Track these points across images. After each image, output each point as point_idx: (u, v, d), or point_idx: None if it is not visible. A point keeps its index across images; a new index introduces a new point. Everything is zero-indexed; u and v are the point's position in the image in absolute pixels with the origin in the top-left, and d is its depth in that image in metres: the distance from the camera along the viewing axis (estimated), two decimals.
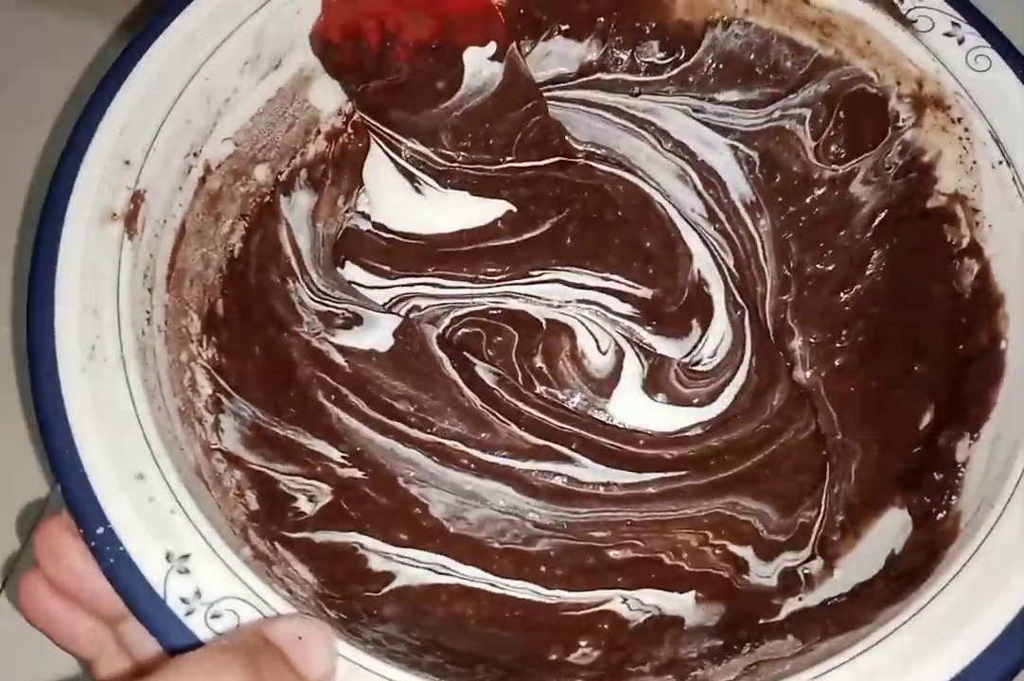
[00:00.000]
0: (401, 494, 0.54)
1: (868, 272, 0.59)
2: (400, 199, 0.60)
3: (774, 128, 0.61)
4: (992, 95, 0.53)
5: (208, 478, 0.47)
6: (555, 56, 0.65)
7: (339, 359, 0.57)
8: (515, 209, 0.60)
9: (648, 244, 0.59)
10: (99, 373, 0.44)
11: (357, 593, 0.50)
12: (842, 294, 0.59)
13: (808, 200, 0.60)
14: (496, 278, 0.59)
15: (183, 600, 0.40)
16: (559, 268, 0.59)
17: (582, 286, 0.59)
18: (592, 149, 0.62)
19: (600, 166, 0.61)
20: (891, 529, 0.51)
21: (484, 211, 0.61)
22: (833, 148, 0.60)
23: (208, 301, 0.55)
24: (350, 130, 0.63)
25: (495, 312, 0.58)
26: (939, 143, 0.55)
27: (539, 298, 0.59)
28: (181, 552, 0.41)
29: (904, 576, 0.46)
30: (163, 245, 0.51)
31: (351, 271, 0.60)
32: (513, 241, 0.60)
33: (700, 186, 0.61)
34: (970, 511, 0.47)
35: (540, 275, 0.59)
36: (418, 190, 0.61)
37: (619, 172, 0.61)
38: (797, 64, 0.61)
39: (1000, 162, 0.52)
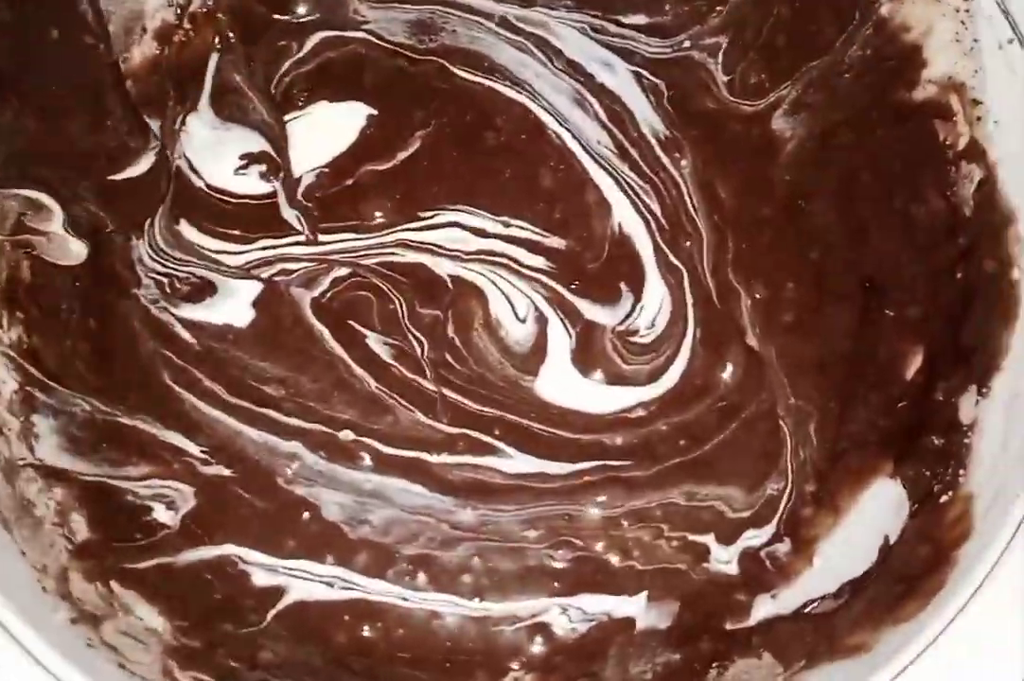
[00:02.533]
0: (283, 496, 0.45)
1: (810, 210, 0.50)
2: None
3: (682, 58, 0.52)
4: None
5: (10, 513, 0.37)
6: None
7: (185, 335, 0.47)
8: (375, 111, 0.51)
9: (547, 181, 0.50)
10: None
11: (228, 634, 0.41)
12: (783, 240, 0.50)
13: (728, 136, 0.51)
14: (384, 221, 0.49)
15: None
16: (451, 207, 0.50)
17: (483, 232, 0.49)
18: (460, 54, 0.52)
19: (465, 72, 0.51)
20: (881, 507, 0.44)
21: (346, 121, 0.51)
22: (753, 78, 0.52)
23: (5, 264, 0.44)
24: (187, 25, 0.51)
25: (386, 268, 0.48)
26: (928, 16, 0.46)
27: (438, 248, 0.49)
28: None
29: (905, 580, 0.38)
30: None
31: (190, 233, 0.49)
32: (390, 165, 0.50)
33: (603, 116, 0.52)
34: (986, 495, 0.38)
35: (432, 216, 0.49)
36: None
37: (494, 83, 0.51)
38: None
39: (1011, 40, 0.43)
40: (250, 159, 0.49)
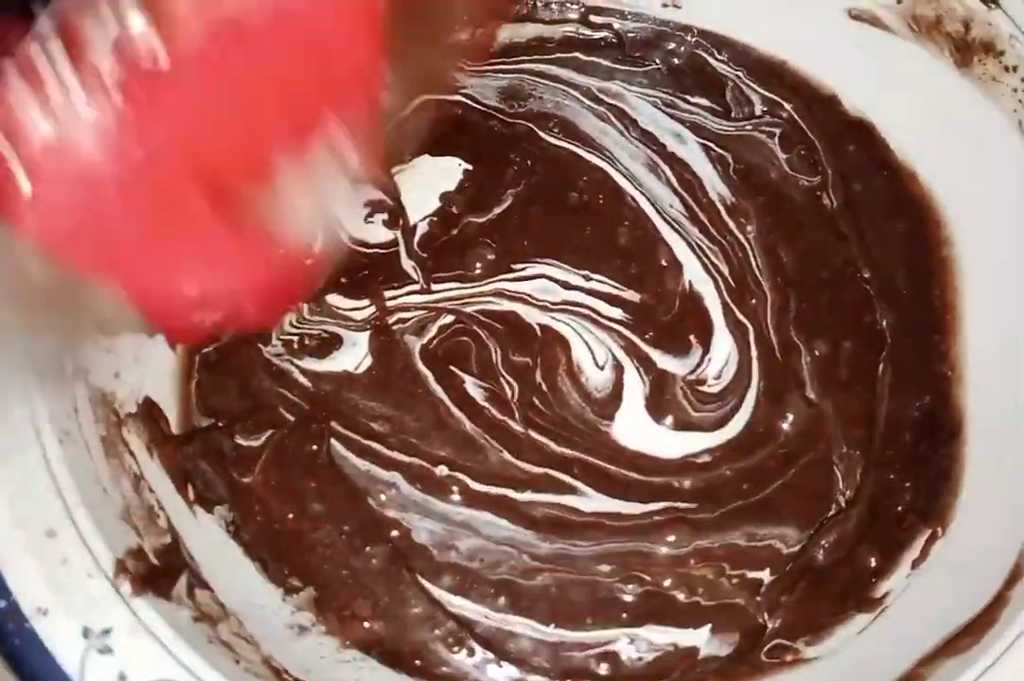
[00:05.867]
0: (376, 515, 0.48)
1: (865, 275, 0.53)
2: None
3: (746, 135, 0.57)
4: None
5: (139, 520, 0.40)
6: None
7: (302, 379, 0.50)
8: (471, 167, 0.55)
9: (624, 240, 0.54)
10: None
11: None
12: (841, 302, 0.53)
13: (789, 206, 0.55)
14: (483, 271, 0.53)
15: None
16: (539, 260, 0.53)
17: (567, 284, 0.53)
18: (547, 119, 0.57)
19: (551, 136, 0.56)
20: None
21: (447, 174, 0.55)
22: (808, 159, 0.56)
23: None
24: None
25: (485, 315, 0.52)
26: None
27: (529, 298, 0.52)
28: (102, 627, 0.34)
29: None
30: None
31: (332, 297, 0.52)
32: (487, 218, 0.54)
33: (675, 182, 0.55)
34: None
35: (524, 269, 0.53)
36: None
37: (577, 148, 0.56)
38: None
39: None
40: (373, 206, 0.53)
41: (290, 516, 0.47)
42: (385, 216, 0.53)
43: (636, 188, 0.55)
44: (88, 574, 0.35)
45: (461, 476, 0.48)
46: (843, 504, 0.49)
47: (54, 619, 0.34)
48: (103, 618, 0.35)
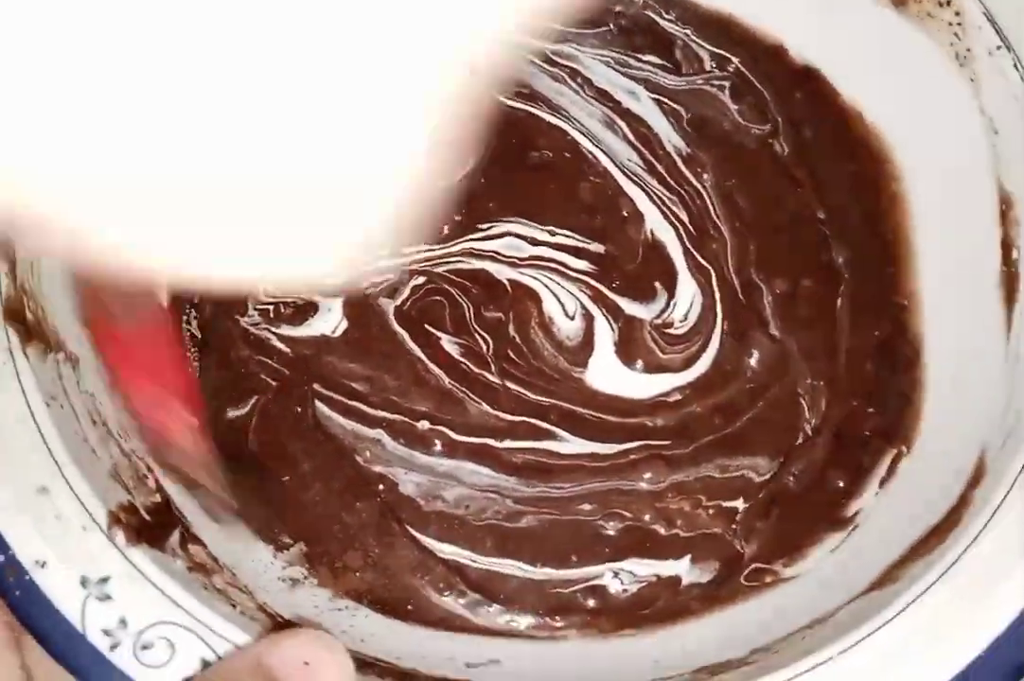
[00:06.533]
0: (364, 472, 0.49)
1: (820, 216, 0.55)
2: None
3: (696, 90, 0.58)
4: None
5: (129, 479, 0.41)
6: None
7: (281, 346, 0.51)
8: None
9: (586, 195, 0.55)
10: None
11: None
12: (798, 242, 0.54)
13: (743, 153, 0.56)
14: (451, 233, 0.53)
15: (106, 632, 0.35)
16: (504, 219, 0.54)
17: (534, 240, 0.54)
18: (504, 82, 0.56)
19: (509, 98, 0.56)
20: None
21: None
22: (759, 109, 0.57)
23: None
24: None
25: (455, 275, 0.53)
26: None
27: (498, 255, 0.53)
28: (99, 575, 0.36)
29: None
30: None
31: None
32: (451, 182, 0.52)
33: (631, 137, 0.56)
34: (995, 444, 0.42)
35: (490, 227, 0.54)
36: None
37: (535, 109, 0.56)
38: None
39: (999, 47, 0.46)
40: None
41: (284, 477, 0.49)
42: None
43: (595, 145, 0.56)
44: (83, 527, 0.36)
45: (443, 429, 0.50)
46: (810, 433, 0.50)
47: (52, 570, 0.35)
48: (100, 568, 0.36)
